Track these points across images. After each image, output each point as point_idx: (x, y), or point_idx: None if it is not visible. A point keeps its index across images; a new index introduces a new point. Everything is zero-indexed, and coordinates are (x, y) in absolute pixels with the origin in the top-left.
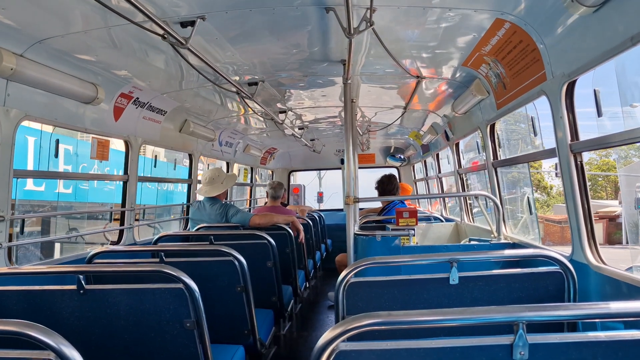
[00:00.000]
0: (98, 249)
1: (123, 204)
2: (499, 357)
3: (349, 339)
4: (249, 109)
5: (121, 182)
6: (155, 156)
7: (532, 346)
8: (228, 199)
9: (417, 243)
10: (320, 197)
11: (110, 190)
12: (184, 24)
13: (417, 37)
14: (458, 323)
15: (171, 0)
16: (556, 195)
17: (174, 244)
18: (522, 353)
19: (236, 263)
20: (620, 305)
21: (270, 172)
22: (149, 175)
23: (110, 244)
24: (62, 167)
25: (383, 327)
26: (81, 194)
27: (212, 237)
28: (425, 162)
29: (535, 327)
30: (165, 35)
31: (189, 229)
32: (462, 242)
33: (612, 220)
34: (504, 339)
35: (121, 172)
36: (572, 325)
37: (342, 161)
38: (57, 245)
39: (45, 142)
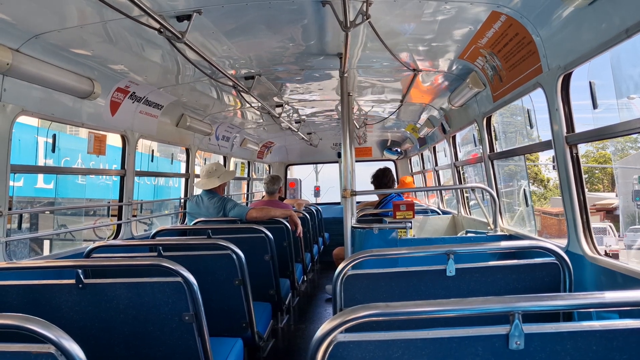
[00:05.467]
0: (96, 243)
1: (120, 199)
2: (496, 346)
3: (347, 330)
4: (246, 102)
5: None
6: (152, 151)
7: (527, 336)
8: (226, 193)
9: (414, 236)
10: (317, 192)
11: (100, 187)
12: (180, 18)
13: (413, 30)
14: (455, 314)
15: None
16: (553, 188)
17: (172, 238)
18: (518, 343)
19: (234, 257)
20: (615, 295)
21: (267, 166)
22: (146, 170)
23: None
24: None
25: (381, 318)
26: (75, 190)
27: (209, 231)
28: (422, 155)
29: (532, 317)
30: (162, 30)
31: (186, 223)
32: (459, 235)
33: (610, 213)
34: (500, 329)
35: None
36: (567, 315)
37: (339, 155)
38: (47, 243)
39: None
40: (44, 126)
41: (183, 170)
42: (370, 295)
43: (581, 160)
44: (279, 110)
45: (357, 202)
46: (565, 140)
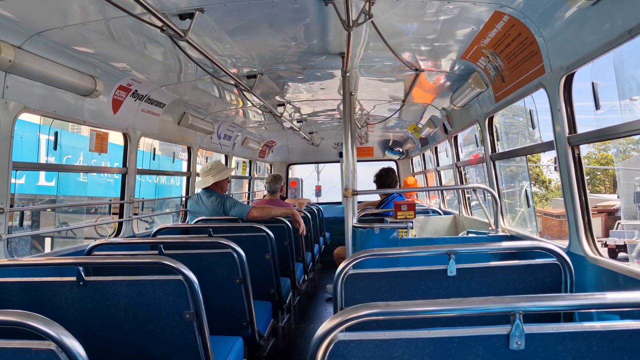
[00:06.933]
0: (97, 241)
1: (122, 197)
2: (496, 347)
3: (348, 329)
4: (248, 101)
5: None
6: (154, 149)
7: (528, 336)
8: (228, 192)
9: (415, 236)
10: (318, 191)
11: (102, 185)
12: (182, 16)
13: (416, 29)
14: (455, 313)
15: None
16: (554, 189)
17: (173, 237)
18: (519, 343)
19: (235, 255)
20: (616, 295)
21: (269, 166)
22: (148, 168)
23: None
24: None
25: (381, 317)
26: (77, 188)
27: (210, 229)
28: (423, 155)
29: (532, 317)
30: (164, 28)
31: (187, 222)
32: (460, 235)
33: (611, 215)
34: (501, 329)
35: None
36: (568, 316)
37: (340, 154)
38: (48, 241)
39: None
40: (45, 124)
41: (185, 169)
42: (370, 294)
43: (583, 161)
44: (280, 109)
45: (358, 202)
46: (567, 141)
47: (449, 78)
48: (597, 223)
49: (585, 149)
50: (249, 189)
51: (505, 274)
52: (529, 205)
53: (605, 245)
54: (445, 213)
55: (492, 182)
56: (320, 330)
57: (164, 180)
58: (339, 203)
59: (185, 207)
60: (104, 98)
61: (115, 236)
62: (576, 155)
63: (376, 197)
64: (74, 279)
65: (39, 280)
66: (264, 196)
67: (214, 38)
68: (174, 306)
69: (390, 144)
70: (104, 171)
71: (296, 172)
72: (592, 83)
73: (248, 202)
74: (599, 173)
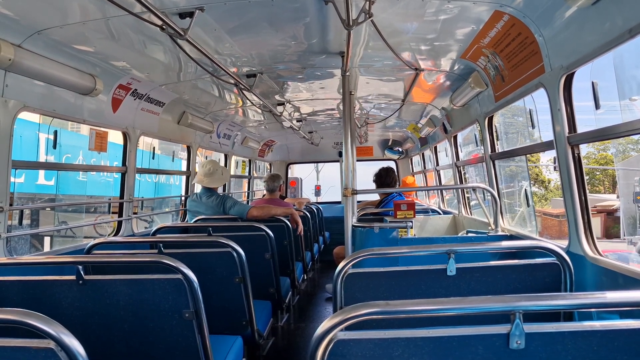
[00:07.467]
0: (97, 240)
1: (121, 196)
2: (496, 346)
3: (347, 328)
4: (247, 101)
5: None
6: (153, 148)
7: (528, 335)
8: (226, 191)
9: (414, 235)
10: (317, 191)
11: (101, 184)
12: (182, 15)
13: (415, 29)
14: (455, 312)
15: None
16: (554, 189)
17: (173, 236)
18: (519, 342)
19: (234, 254)
20: (615, 295)
21: (269, 165)
22: (147, 167)
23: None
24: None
25: (381, 317)
26: (76, 187)
27: (210, 228)
28: (423, 154)
29: (532, 317)
30: (164, 27)
31: (187, 221)
32: (459, 234)
33: (610, 215)
34: (501, 328)
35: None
36: (568, 315)
37: (340, 154)
38: (47, 239)
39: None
40: (45, 122)
41: (184, 168)
42: (370, 293)
43: (582, 161)
44: (280, 108)
45: (358, 202)
46: (567, 141)
47: (449, 77)
48: (596, 223)
49: (584, 149)
50: (249, 188)
51: (505, 274)
52: (528, 205)
53: (632, 243)
54: (445, 213)
55: (491, 182)
56: (320, 330)
57: (164, 179)
58: (339, 202)
59: (185, 206)
60: (104, 97)
61: (114, 235)
62: (576, 154)
63: (376, 197)
64: (73, 277)
65: (39, 279)
66: (263, 195)
67: (213, 37)
68: (173, 305)
69: (389, 143)
70: (103, 170)
71: (296, 171)
72: (592, 83)
73: (247, 202)
74: (598, 173)
